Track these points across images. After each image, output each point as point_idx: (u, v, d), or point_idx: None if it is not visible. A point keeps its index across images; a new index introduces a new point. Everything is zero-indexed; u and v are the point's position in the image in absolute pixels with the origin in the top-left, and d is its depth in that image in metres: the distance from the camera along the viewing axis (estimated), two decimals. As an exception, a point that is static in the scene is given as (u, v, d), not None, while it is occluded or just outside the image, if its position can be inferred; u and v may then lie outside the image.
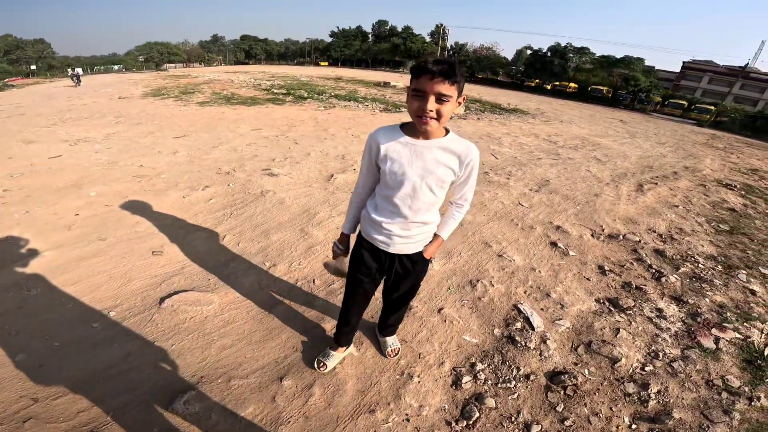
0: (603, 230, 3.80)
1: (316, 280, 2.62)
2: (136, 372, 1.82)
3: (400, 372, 1.90)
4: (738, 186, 6.42)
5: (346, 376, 1.86)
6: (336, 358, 1.92)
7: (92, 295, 2.37)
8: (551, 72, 44.52)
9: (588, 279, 2.88)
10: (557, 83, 40.61)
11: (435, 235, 1.51)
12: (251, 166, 5.12)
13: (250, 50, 79.83)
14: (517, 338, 2.16)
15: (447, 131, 1.31)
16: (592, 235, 3.65)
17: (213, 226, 3.36)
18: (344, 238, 1.61)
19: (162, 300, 2.32)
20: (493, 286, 2.67)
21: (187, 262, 2.78)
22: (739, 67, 42.43)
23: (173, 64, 61.70)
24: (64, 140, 6.39)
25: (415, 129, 1.27)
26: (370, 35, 75.33)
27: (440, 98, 1.15)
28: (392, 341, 2.02)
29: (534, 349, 2.10)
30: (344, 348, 1.95)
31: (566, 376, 1.90)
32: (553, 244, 3.38)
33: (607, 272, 3.00)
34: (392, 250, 1.45)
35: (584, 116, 17.41)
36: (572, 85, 38.88)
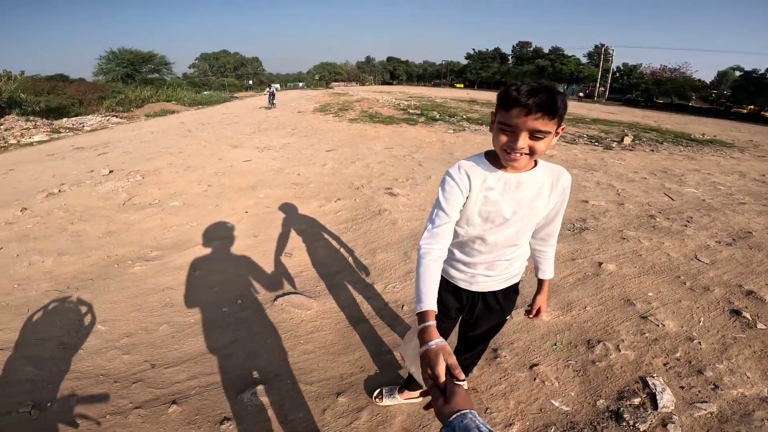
0: (832, 306, 2.55)
1: (405, 306, 2.58)
2: (234, 358, 2.11)
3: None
4: None
5: (398, 411, 1.75)
6: (397, 400, 1.81)
7: (233, 283, 2.91)
8: (776, 96, 34.09)
9: (776, 361, 1.99)
10: (786, 110, 30.71)
11: (539, 280, 1.39)
12: (377, 184, 5.48)
13: (394, 71, 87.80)
14: (626, 416, 1.65)
15: (536, 162, 1.13)
16: (808, 310, 2.50)
17: (333, 237, 3.72)
18: (428, 317, 0.96)
19: (276, 297, 2.67)
20: (618, 351, 2.08)
21: (307, 266, 3.14)
22: None
23: (338, 83, 72.99)
24: (256, 147, 8.18)
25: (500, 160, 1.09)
26: (509, 57, 72.18)
27: (535, 134, 0.96)
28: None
29: (644, 431, 1.57)
30: (411, 393, 1.80)
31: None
32: (735, 312, 2.45)
33: (816, 360, 2.00)
34: (475, 288, 1.30)
35: (836, 151, 12.36)
36: (812, 112, 28.70)
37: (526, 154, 0.99)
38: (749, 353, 2.08)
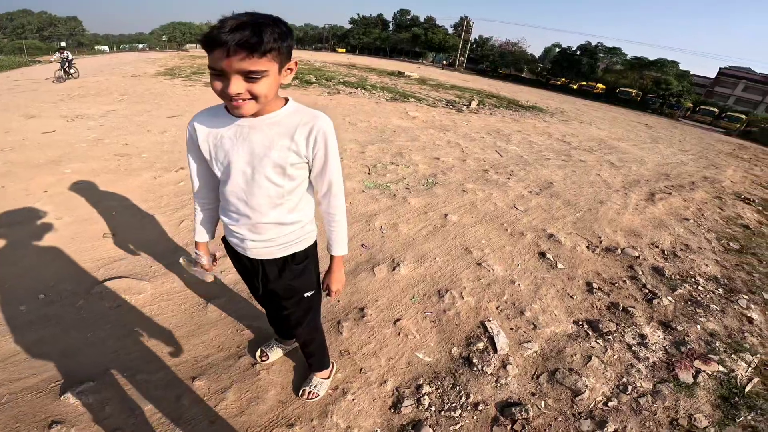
0: (600, 242, 3.46)
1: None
2: (45, 358, 1.70)
3: (333, 386, 1.68)
4: (756, 201, 5.90)
5: (270, 384, 1.66)
6: (280, 351, 1.76)
7: (31, 275, 2.22)
8: (579, 71, 43.28)
9: (572, 297, 2.58)
10: (584, 83, 39.63)
11: (331, 258, 1.22)
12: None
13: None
14: (475, 360, 1.89)
15: (286, 101, 0.99)
16: (587, 247, 3.32)
17: (174, 210, 3.17)
18: (198, 246, 1.29)
19: (93, 286, 2.15)
20: (462, 298, 2.40)
21: (135, 247, 2.60)
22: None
23: (195, 45, 62.44)
24: (64, 116, 6.36)
25: None
26: (390, 24, 74.55)
27: (248, 76, 0.82)
28: (316, 382, 1.61)
29: (491, 374, 1.84)
30: (291, 341, 1.77)
31: (518, 408, 1.65)
32: (542, 254, 3.07)
33: (594, 290, 2.68)
34: (250, 254, 1.16)
35: (607, 118, 16.66)
36: (600, 86, 37.82)
37: (248, 99, 0.86)
38: (554, 292, 2.59)
